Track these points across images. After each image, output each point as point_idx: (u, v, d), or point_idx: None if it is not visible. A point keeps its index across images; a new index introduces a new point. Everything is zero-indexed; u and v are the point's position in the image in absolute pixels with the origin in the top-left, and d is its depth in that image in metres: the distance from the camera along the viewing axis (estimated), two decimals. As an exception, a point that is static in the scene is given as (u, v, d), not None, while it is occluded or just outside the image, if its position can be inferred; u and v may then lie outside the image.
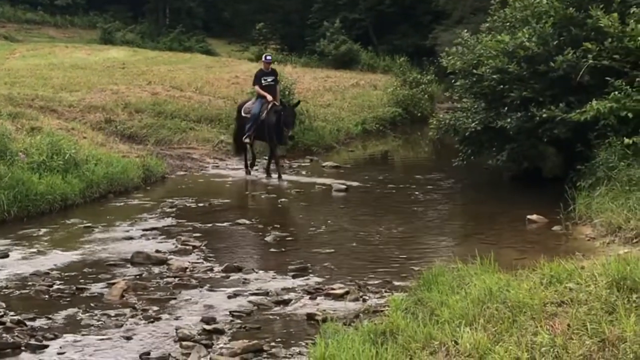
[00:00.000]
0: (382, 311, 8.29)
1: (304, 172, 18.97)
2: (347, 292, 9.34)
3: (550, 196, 13.61)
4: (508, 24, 16.57)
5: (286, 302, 9.20)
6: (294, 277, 10.27)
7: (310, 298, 9.34)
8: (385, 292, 9.39)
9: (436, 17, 41.69)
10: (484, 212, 14.15)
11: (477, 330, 6.59)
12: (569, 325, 6.45)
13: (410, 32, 45.43)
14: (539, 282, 7.59)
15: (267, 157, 19.04)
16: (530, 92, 14.58)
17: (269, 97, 18.12)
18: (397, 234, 12.69)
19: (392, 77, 33.18)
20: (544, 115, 13.92)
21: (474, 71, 15.88)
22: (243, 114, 18.54)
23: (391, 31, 46.00)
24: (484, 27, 17.99)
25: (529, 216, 12.95)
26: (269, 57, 19.27)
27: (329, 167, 19.67)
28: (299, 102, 20.14)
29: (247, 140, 18.21)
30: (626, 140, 12.21)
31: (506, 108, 15.43)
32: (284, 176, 18.09)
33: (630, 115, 12.43)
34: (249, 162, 18.86)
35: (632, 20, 13.05)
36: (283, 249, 11.89)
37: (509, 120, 15.09)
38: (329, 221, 13.60)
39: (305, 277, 10.24)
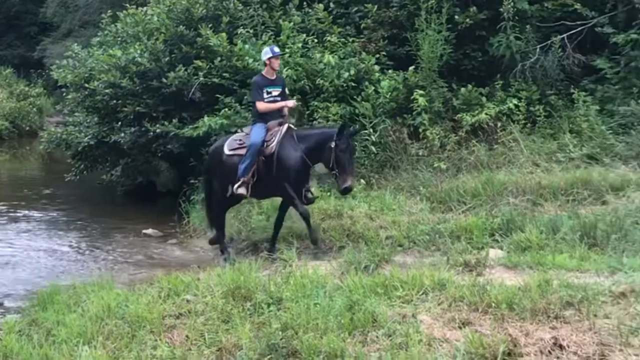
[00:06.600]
0: (-8, 336, 7.75)
1: None
2: (-52, 318, 8.56)
3: (165, 210, 13.83)
4: (120, 38, 16.54)
5: None
6: None
7: None
8: (-5, 315, 8.80)
9: (44, 29, 40.43)
10: (99, 228, 13.90)
11: (96, 348, 6.45)
12: (187, 336, 6.56)
13: (16, 42, 43.44)
14: (158, 296, 7.64)
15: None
16: (144, 107, 14.72)
17: (287, 106, 10.73)
18: (6, 254, 11.94)
19: (-2, 89, 31.49)
20: (158, 130, 14.12)
21: (86, 85, 15.61)
22: (228, 153, 10.69)
23: (-5, 41, 43.59)
24: (95, 41, 17.78)
25: (144, 230, 13.04)
26: (277, 50, 10.91)
27: None
28: (356, 129, 11.69)
29: (241, 191, 10.31)
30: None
31: (120, 123, 15.43)
32: None
33: (239, 131, 13.01)
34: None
35: (239, 41, 13.73)
36: None
37: (122, 135, 15.14)
38: None
39: None
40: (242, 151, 10.46)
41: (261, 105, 10.46)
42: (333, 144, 9.82)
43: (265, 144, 10.27)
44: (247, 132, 10.73)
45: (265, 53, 10.72)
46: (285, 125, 10.38)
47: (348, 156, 9.88)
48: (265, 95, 10.51)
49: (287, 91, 11.12)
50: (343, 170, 9.79)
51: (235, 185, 10.27)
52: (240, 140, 10.67)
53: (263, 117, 10.50)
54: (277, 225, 10.45)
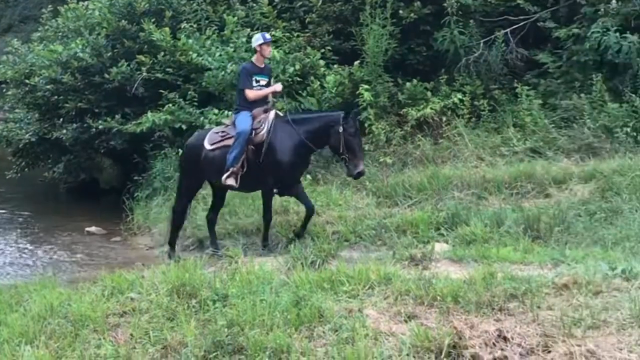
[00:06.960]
0: None
1: None
2: None
3: (108, 207, 13.66)
4: (61, 33, 16.30)
5: None
6: None
7: None
8: None
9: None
10: (41, 226, 13.66)
11: (39, 347, 6.31)
12: (132, 334, 6.45)
13: (-47, 37, 42.54)
14: (101, 294, 7.50)
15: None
16: (86, 103, 14.55)
17: (276, 90, 10.31)
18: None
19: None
20: (100, 127, 13.95)
21: (27, 81, 15.36)
22: (209, 148, 10.08)
23: None
24: (35, 36, 17.49)
25: (87, 228, 12.85)
26: (268, 37, 10.38)
27: None
28: (357, 109, 11.44)
29: (230, 182, 9.77)
30: (181, 152, 12.65)
31: (62, 119, 15.22)
32: None
33: (184, 127, 12.94)
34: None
35: (183, 35, 13.59)
36: None
37: (64, 131, 14.95)
38: None
39: None
40: (227, 142, 9.93)
41: (251, 94, 9.95)
42: (341, 128, 9.51)
43: (254, 131, 9.78)
44: (228, 123, 10.31)
45: (256, 40, 10.17)
46: (272, 112, 9.94)
47: (357, 140, 9.66)
48: (254, 84, 10.05)
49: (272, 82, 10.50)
50: (354, 155, 9.52)
51: (224, 176, 9.71)
52: (222, 132, 10.14)
53: (248, 105, 10.00)
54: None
